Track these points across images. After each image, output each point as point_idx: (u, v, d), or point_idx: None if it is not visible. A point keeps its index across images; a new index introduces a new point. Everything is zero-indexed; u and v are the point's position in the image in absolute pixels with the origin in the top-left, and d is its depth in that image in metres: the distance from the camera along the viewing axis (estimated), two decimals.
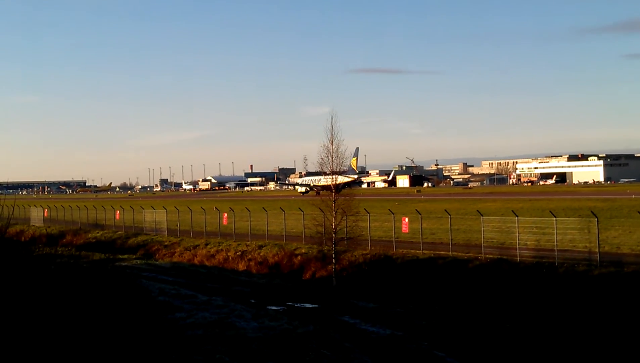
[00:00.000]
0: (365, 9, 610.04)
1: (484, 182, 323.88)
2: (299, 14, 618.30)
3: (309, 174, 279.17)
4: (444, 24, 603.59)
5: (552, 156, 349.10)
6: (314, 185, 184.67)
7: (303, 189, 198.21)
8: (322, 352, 23.87)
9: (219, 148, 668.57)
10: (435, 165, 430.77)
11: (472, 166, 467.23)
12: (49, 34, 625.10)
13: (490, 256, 41.84)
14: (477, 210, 52.80)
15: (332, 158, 42.82)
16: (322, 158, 43.37)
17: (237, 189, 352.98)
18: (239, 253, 54.20)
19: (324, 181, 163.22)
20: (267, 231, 59.45)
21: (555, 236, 40.85)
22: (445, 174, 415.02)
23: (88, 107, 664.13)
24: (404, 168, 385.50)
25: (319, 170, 46.59)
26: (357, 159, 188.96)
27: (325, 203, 43.37)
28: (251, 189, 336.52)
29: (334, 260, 42.52)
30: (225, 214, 67.50)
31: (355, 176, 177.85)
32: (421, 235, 47.40)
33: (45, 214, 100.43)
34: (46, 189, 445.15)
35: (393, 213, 51.77)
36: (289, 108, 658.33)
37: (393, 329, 28.34)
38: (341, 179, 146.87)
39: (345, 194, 44.09)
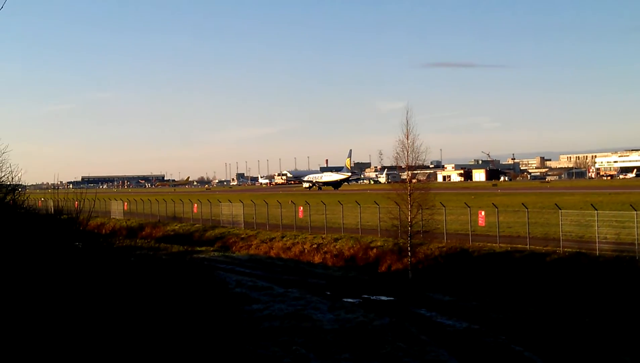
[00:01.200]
0: (440, 3, 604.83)
1: (562, 176, 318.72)
2: (375, 8, 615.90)
3: (384, 168, 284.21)
4: (519, 18, 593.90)
5: (632, 150, 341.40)
6: (315, 181, 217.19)
7: (307, 184, 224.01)
8: (397, 345, 23.91)
9: (295, 143, 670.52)
10: (512, 159, 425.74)
11: (550, 160, 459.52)
12: (125, 29, 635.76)
13: (569, 249, 41.20)
14: (555, 204, 51.98)
15: (408, 152, 42.73)
16: (397, 153, 43.40)
17: None
18: (314, 246, 54.44)
19: (325, 178, 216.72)
20: (342, 224, 59.55)
21: (636, 229, 39.99)
22: (522, 168, 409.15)
23: (166, 103, 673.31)
24: (480, 162, 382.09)
25: (394, 164, 46.42)
26: (350, 159, 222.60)
27: (400, 196, 43.27)
28: None
29: (409, 253, 42.42)
30: (301, 208, 67.82)
31: (349, 174, 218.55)
32: (498, 228, 46.91)
33: (125, 208, 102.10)
34: (126, 183, 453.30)
35: (469, 207, 51.41)
36: (364, 102, 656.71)
37: (469, 322, 28.19)
38: (337, 176, 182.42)
39: (420, 187, 43.86)
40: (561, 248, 41.58)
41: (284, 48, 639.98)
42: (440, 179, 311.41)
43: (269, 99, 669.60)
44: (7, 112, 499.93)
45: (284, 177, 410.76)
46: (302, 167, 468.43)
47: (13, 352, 12.70)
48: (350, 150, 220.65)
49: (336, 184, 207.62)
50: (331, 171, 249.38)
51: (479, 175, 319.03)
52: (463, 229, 51.23)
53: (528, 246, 43.53)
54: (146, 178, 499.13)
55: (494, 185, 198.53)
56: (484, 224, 50.10)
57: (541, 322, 28.57)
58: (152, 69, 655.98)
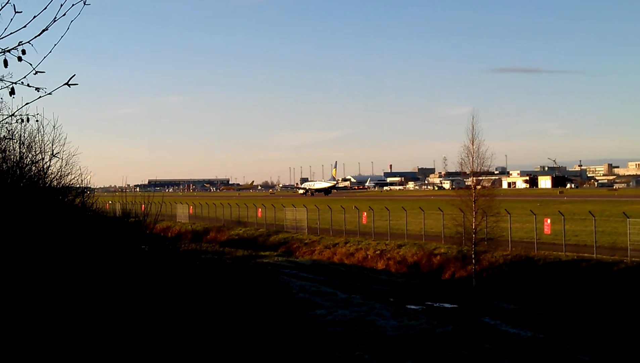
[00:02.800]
0: (505, 8, 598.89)
1: (630, 184, 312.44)
2: (441, 13, 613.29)
3: (448, 174, 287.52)
4: (587, 23, 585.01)
5: None
6: (309, 188, 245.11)
7: (302, 191, 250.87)
8: (461, 352, 23.79)
9: (359, 148, 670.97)
10: (579, 166, 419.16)
11: (618, 167, 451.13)
12: (193, 34, 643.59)
13: (637, 259, 40.46)
14: (623, 212, 51.15)
15: (473, 158, 42.55)
16: (462, 158, 43.27)
17: (376, 188, 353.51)
18: (377, 252, 54.38)
19: (317, 185, 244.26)
20: (406, 230, 59.36)
21: None
22: (588, 175, 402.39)
23: (232, 106, 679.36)
24: (546, 168, 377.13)
25: (459, 170, 46.24)
26: (336, 169, 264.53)
27: (465, 203, 43.05)
28: (390, 189, 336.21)
29: (473, 261, 42.16)
30: (365, 213, 67.80)
31: (335, 182, 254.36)
32: (564, 237, 46.28)
33: (191, 211, 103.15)
34: (191, 187, 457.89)
35: (535, 214, 50.87)
36: (428, 108, 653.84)
37: (535, 331, 27.93)
38: (326, 185, 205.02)
39: (485, 194, 43.54)
40: (629, 258, 40.86)
41: (350, 52, 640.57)
42: (505, 185, 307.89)
43: (334, 103, 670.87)
44: (78, 115, 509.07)
45: (348, 182, 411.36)
46: (365, 172, 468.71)
47: (86, 350, 12.97)
48: (336, 161, 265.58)
49: (326, 191, 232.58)
50: (395, 176, 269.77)
51: (544, 182, 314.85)
52: (528, 237, 50.68)
53: (595, 255, 42.86)
54: (211, 182, 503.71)
55: (560, 192, 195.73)
56: (549, 233, 49.47)
57: (608, 333, 28.16)
58: (219, 74, 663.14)
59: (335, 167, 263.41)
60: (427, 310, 33.35)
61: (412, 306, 33.71)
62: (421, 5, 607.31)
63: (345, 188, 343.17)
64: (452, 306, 34.89)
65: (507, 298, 36.99)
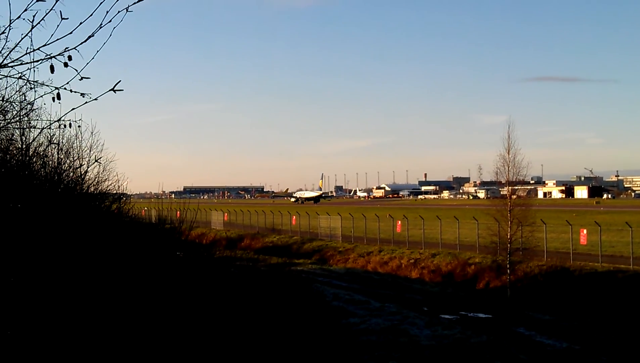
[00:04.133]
0: (542, 18, 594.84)
1: None
2: (476, 22, 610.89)
3: (483, 183, 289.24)
4: (626, 32, 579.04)
5: None
6: (299, 197, 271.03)
7: (293, 199, 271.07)
8: None
9: (393, 156, 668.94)
10: (616, 176, 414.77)
11: None
12: (228, 42, 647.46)
13: None
14: None
15: (509, 167, 42.35)
16: (497, 167, 43.12)
17: (410, 197, 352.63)
18: (412, 261, 54.28)
19: (306, 194, 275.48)
20: (440, 239, 59.17)
21: None
22: (626, 185, 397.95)
23: (266, 114, 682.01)
24: (582, 178, 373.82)
25: (494, 179, 46.06)
26: (322, 181, 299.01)
27: (500, 212, 42.85)
28: (425, 198, 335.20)
29: (508, 270, 41.92)
30: (399, 222, 67.67)
31: (321, 192, 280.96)
32: (600, 248, 45.85)
33: (225, 219, 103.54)
34: (226, 194, 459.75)
35: (571, 224, 50.47)
36: (463, 116, 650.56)
37: (570, 342, 27.69)
38: (312, 194, 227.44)
39: (521, 203, 43.27)
40: None
41: (385, 60, 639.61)
42: (540, 195, 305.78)
43: (368, 111, 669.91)
44: (115, 121, 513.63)
45: (382, 190, 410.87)
46: (400, 181, 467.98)
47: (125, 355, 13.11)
48: (322, 174, 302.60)
49: (315, 199, 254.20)
50: (429, 184, 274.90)
51: (580, 192, 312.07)
52: (564, 247, 50.28)
53: (631, 266, 42.45)
54: (246, 189, 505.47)
55: (596, 203, 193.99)
56: (585, 243, 49.06)
57: None
58: (255, 80, 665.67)
59: (322, 179, 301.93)
60: (461, 319, 33.20)
61: (446, 316, 33.58)
62: (456, 13, 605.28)
63: (380, 197, 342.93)
64: (486, 316, 34.71)
65: (542, 308, 36.73)
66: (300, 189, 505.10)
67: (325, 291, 40.36)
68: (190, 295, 18.79)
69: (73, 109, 8.28)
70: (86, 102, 7.74)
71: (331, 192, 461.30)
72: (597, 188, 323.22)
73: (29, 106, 13.92)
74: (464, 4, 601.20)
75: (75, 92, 7.46)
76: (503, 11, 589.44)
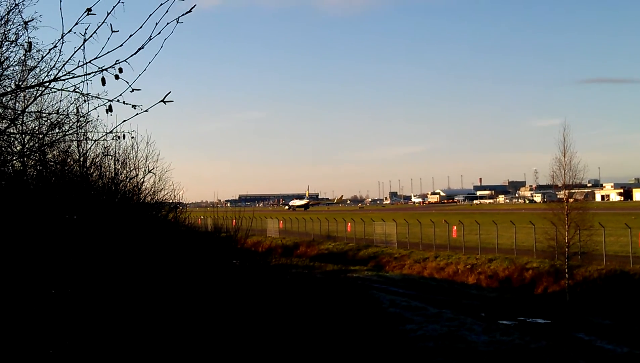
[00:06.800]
0: (595, 19, 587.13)
1: None
2: (529, 26, 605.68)
3: (539, 187, 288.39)
4: None
5: None
6: (292, 204, 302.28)
7: (287, 207, 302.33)
8: None
9: (448, 161, 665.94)
10: None
11: None
12: (279, 50, 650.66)
13: None
14: None
15: (565, 170, 41.86)
16: (553, 171, 42.62)
17: (466, 202, 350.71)
18: (468, 266, 53.90)
19: (297, 203, 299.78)
20: (497, 244, 58.67)
21: None
22: None
23: (321, 121, 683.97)
24: None
25: (550, 183, 45.52)
26: (308, 190, 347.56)
27: (557, 216, 42.33)
28: (480, 203, 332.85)
29: (567, 275, 41.39)
30: (455, 227, 67.25)
31: (309, 200, 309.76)
32: None
33: (281, 226, 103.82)
34: (281, 202, 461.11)
35: (630, 227, 49.67)
36: (518, 120, 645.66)
37: (631, 347, 27.27)
38: (301, 202, 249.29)
39: (578, 207, 42.72)
40: None
41: (438, 66, 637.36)
42: (598, 198, 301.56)
43: (422, 116, 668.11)
44: (169, 132, 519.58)
45: (437, 196, 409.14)
46: (455, 186, 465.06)
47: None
48: (308, 186, 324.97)
49: (305, 206, 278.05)
50: (486, 189, 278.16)
51: (639, 194, 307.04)
52: (623, 251, 49.48)
53: None
54: (300, 197, 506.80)
55: None
56: None
57: None
58: (307, 88, 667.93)
59: (308, 189, 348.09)
60: (520, 325, 32.89)
61: (504, 322, 33.29)
62: (509, 17, 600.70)
63: (434, 202, 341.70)
64: (545, 321, 34.32)
65: (602, 313, 36.22)
66: (355, 196, 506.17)
67: (382, 297, 40.29)
68: (247, 302, 18.90)
69: (125, 121, 8.39)
70: (137, 114, 7.86)
71: (385, 198, 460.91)
72: None
73: (83, 118, 14.19)
74: (517, 7, 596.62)
75: (126, 103, 7.58)
76: (556, 14, 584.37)
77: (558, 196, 47.44)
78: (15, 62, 13.74)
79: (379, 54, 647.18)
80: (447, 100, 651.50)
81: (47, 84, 8.11)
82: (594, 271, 44.24)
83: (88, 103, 9.15)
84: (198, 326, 14.79)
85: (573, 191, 43.84)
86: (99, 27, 7.09)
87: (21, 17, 12.75)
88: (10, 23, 13.05)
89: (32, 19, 12.77)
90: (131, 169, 20.63)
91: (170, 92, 7.37)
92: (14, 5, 12.58)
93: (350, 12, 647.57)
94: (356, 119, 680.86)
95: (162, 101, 7.48)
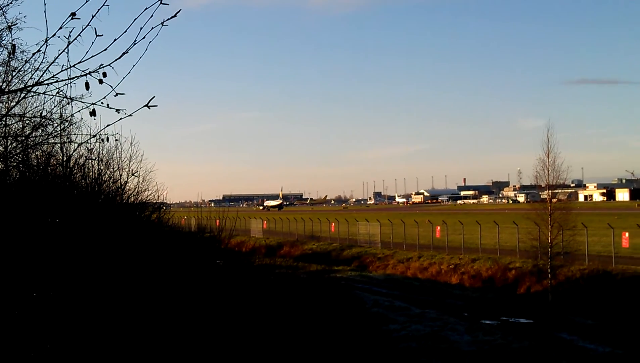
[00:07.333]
0: (580, 20, 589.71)
1: None
2: (514, 26, 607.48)
3: (523, 187, 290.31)
4: None
5: None
6: (266, 205, 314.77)
7: (262, 207, 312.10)
8: None
9: (432, 162, 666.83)
10: None
11: None
12: (269, 50, 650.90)
13: None
14: None
15: (548, 171, 42.05)
16: (537, 171, 42.79)
17: (449, 202, 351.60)
18: (451, 266, 54.04)
19: (271, 203, 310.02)
20: (480, 244, 58.84)
21: None
22: None
23: (306, 122, 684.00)
24: (624, 181, 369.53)
25: (533, 183, 45.74)
26: (282, 191, 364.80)
27: (540, 216, 42.52)
28: (464, 203, 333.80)
29: (549, 275, 41.59)
30: (438, 227, 67.38)
31: (282, 201, 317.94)
32: None
33: (265, 226, 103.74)
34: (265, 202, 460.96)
35: (612, 228, 49.95)
36: (502, 121, 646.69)
37: (613, 347, 27.45)
38: (275, 202, 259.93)
39: (561, 207, 42.93)
40: None
41: (421, 66, 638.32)
42: (581, 198, 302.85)
43: (405, 118, 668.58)
44: (154, 132, 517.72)
45: (421, 196, 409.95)
46: (439, 186, 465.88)
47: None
48: (282, 187, 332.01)
49: (279, 206, 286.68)
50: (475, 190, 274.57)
51: (622, 195, 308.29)
52: (606, 251, 49.76)
53: None
54: (285, 197, 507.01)
55: (638, 205, 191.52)
56: (627, 246, 48.58)
57: None
58: (291, 89, 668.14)
59: (282, 191, 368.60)
60: (502, 325, 33.05)
61: (487, 321, 33.44)
62: (494, 18, 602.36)
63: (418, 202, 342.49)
64: (527, 321, 34.50)
65: (585, 313, 36.42)
66: (339, 196, 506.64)
67: (365, 297, 40.38)
68: (231, 302, 18.92)
69: (108, 125, 8.42)
70: (121, 118, 7.88)
71: (369, 198, 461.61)
72: (638, 190, 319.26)
73: (66, 121, 14.19)
74: (502, 8, 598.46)
75: (110, 108, 7.60)
76: (541, 14, 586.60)
77: (541, 197, 47.61)
78: None
79: (363, 55, 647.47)
80: (432, 101, 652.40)
81: (31, 88, 8.12)
82: (577, 271, 44.47)
83: (72, 106, 9.16)
84: (181, 326, 14.81)
85: (556, 191, 44.04)
86: (83, 29, 7.11)
87: (5, 19, 12.74)
88: None
89: (16, 23, 12.77)
90: (115, 169, 20.64)
91: (154, 96, 7.39)
92: None
93: (339, 10, 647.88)
94: (341, 120, 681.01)
95: (146, 105, 7.50)
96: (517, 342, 27.79)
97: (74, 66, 7.35)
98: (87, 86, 7.34)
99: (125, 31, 7.10)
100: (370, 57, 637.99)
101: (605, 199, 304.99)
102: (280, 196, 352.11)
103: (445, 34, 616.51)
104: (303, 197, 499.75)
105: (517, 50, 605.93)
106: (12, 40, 12.88)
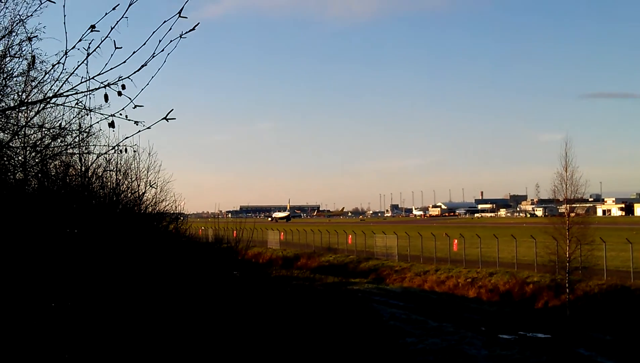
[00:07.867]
0: (597, 35, 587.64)
1: None
2: (531, 41, 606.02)
3: (541, 201, 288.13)
4: None
5: None
6: (274, 216, 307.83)
7: (270, 219, 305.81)
8: None
9: (449, 174, 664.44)
10: None
11: None
12: (283, 60, 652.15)
13: None
14: None
15: (566, 185, 41.88)
16: (555, 185, 42.64)
17: (467, 215, 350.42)
18: (469, 280, 53.82)
19: (279, 214, 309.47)
20: (497, 258, 58.58)
21: None
22: None
23: (323, 133, 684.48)
24: None
25: (551, 197, 45.54)
26: (289, 203, 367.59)
27: (558, 230, 42.30)
28: (481, 216, 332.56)
29: (567, 290, 41.34)
30: (456, 241, 67.14)
31: (289, 213, 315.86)
32: None
33: (282, 238, 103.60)
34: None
35: (631, 243, 49.59)
36: (520, 134, 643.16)
37: None
38: (283, 214, 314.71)
39: (579, 221, 42.68)
40: None
41: (439, 80, 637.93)
42: (599, 213, 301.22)
43: (424, 130, 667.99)
44: (172, 142, 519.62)
45: (439, 209, 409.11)
46: (456, 199, 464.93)
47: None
48: (289, 199, 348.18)
49: (287, 218, 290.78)
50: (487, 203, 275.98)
51: None
52: (624, 266, 49.39)
53: None
54: (302, 208, 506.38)
55: None
56: None
57: None
58: (309, 100, 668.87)
59: (289, 203, 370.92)
60: (520, 339, 32.85)
61: (504, 336, 33.25)
62: (512, 33, 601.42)
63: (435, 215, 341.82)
64: (545, 336, 34.27)
65: (603, 328, 36.16)
66: (356, 208, 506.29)
67: (382, 310, 40.28)
68: (248, 314, 18.89)
69: (127, 137, 8.42)
70: (139, 131, 7.89)
71: (387, 210, 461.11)
72: None
73: (85, 131, 14.26)
74: (520, 22, 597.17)
75: (129, 120, 7.61)
76: (558, 29, 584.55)
77: (559, 211, 47.38)
78: (19, 74, 13.82)
79: (380, 65, 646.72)
80: (450, 113, 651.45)
81: (50, 99, 8.15)
82: (595, 286, 44.17)
83: (90, 117, 9.20)
84: (200, 336, 14.80)
85: (574, 205, 43.80)
86: (102, 41, 7.13)
87: (24, 29, 12.82)
88: (14, 34, 13.12)
89: (36, 34, 12.85)
90: (133, 180, 20.69)
91: (172, 109, 7.40)
92: (17, 17, 12.65)
93: (349, 22, 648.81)
94: (358, 131, 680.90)
95: (165, 118, 7.51)
96: (534, 357, 27.63)
97: (93, 77, 7.39)
98: (106, 98, 7.36)
99: (144, 44, 7.12)
100: (388, 67, 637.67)
101: (623, 214, 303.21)
102: (288, 207, 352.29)
103: (463, 46, 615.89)
104: (320, 209, 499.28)
105: (535, 63, 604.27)
106: (32, 51, 12.95)
